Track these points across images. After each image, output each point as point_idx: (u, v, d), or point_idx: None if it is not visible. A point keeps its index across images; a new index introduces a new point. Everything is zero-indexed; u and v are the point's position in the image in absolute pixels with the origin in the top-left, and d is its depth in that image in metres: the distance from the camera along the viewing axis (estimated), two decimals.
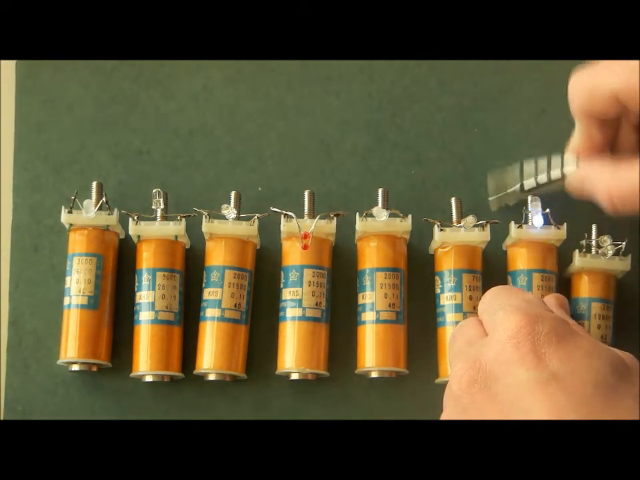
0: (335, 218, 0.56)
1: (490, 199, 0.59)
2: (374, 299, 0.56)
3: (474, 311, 0.56)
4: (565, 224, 0.57)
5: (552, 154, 0.56)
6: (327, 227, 0.56)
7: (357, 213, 0.57)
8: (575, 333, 0.44)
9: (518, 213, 0.57)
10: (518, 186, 0.58)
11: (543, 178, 0.56)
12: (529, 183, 0.57)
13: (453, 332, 0.49)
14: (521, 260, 0.57)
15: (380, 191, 0.57)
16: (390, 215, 0.56)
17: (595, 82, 0.50)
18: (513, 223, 0.57)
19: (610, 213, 0.52)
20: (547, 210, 0.57)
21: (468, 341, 0.46)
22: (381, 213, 0.56)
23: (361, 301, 0.57)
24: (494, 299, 0.48)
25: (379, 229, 0.57)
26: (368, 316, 0.56)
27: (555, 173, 0.56)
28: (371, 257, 0.57)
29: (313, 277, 0.56)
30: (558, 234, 0.57)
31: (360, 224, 0.56)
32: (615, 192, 0.51)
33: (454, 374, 0.44)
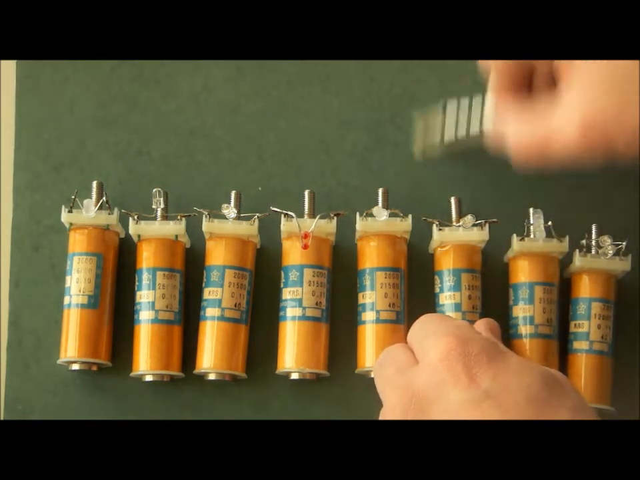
0: (335, 218, 0.56)
1: (414, 144, 0.60)
2: (374, 299, 0.56)
3: (473, 310, 0.56)
4: (567, 237, 0.57)
5: (473, 96, 0.57)
6: (327, 226, 0.56)
7: (357, 213, 0.57)
8: (504, 352, 0.44)
9: (519, 225, 0.57)
10: (438, 136, 0.59)
11: (462, 132, 0.57)
12: (449, 137, 0.58)
13: (380, 358, 0.49)
14: (522, 272, 0.57)
15: (380, 190, 0.57)
16: (390, 215, 0.56)
17: None
18: (515, 235, 0.57)
19: (516, 166, 0.53)
20: (549, 223, 0.57)
21: (398, 368, 0.46)
22: (381, 213, 0.56)
23: (361, 301, 0.57)
24: (423, 326, 0.48)
25: (379, 228, 0.57)
26: (368, 316, 0.56)
27: (474, 130, 0.57)
28: (371, 256, 0.57)
29: (313, 276, 0.56)
30: (560, 246, 0.57)
31: (360, 224, 0.56)
32: (519, 145, 0.52)
33: (387, 404, 0.45)
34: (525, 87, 0.54)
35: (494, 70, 0.54)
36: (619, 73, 0.49)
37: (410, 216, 0.56)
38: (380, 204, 0.57)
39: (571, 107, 0.49)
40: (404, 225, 0.56)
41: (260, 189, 0.60)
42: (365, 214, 0.56)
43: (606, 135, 0.49)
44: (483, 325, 0.52)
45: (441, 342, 0.44)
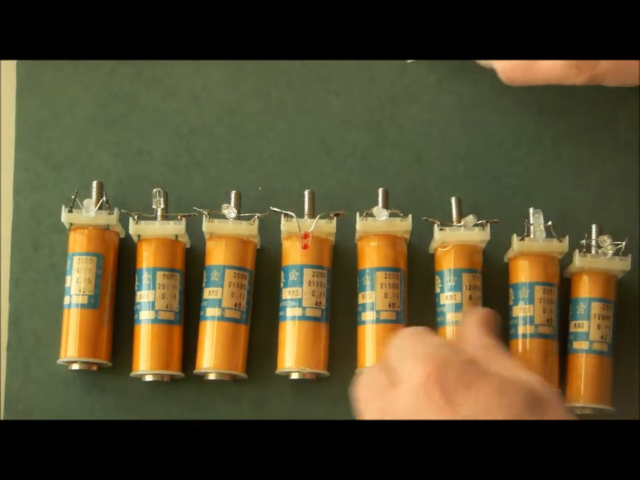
0: (335, 218, 0.56)
1: None
2: (374, 299, 0.56)
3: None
4: (567, 237, 0.57)
5: None
6: (327, 226, 0.56)
7: (357, 213, 0.57)
8: (484, 373, 0.43)
9: (519, 225, 0.57)
10: None
11: None
12: None
13: (358, 381, 0.49)
14: (522, 272, 0.57)
15: (380, 190, 0.57)
16: (390, 215, 0.56)
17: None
18: (515, 235, 0.57)
19: (506, 82, 0.54)
20: (549, 223, 0.57)
21: (376, 392, 0.46)
22: (381, 213, 0.56)
23: (361, 301, 0.57)
24: (401, 347, 0.47)
25: (379, 228, 0.57)
26: (368, 316, 0.56)
27: None
28: (371, 256, 0.57)
29: (313, 276, 0.56)
30: (560, 246, 0.57)
31: (360, 224, 0.56)
32: (507, 63, 0.52)
33: None
34: None
35: None
36: None
37: (410, 216, 0.56)
38: (380, 204, 0.57)
39: None
40: (404, 225, 0.56)
41: (260, 188, 0.60)
42: (365, 214, 0.56)
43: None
44: (475, 319, 0.51)
45: (418, 366, 0.43)
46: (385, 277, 0.56)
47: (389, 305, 0.56)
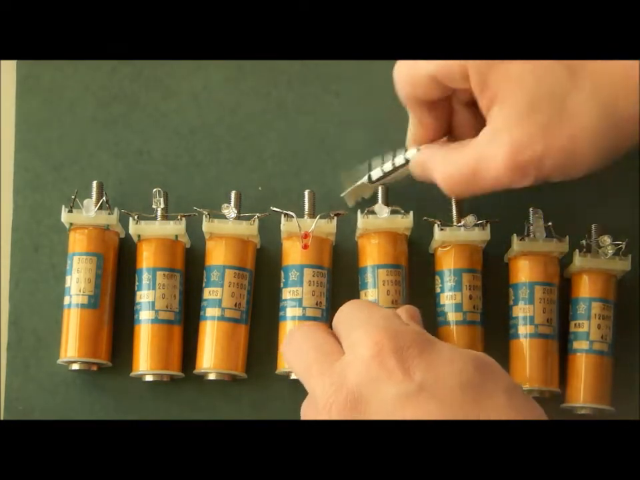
0: (335, 217, 0.56)
1: (343, 194, 0.59)
2: (377, 296, 0.56)
3: (474, 310, 0.56)
4: (567, 237, 0.57)
5: (397, 150, 0.57)
6: (327, 226, 0.56)
7: (359, 211, 0.57)
8: (434, 342, 0.44)
9: (520, 225, 0.57)
10: (366, 177, 0.58)
11: (388, 166, 0.57)
12: (376, 173, 0.58)
13: (294, 337, 0.48)
14: (522, 272, 0.57)
15: (380, 188, 0.57)
16: (391, 212, 0.56)
17: (413, 68, 0.52)
18: (515, 235, 0.57)
19: (448, 195, 0.53)
20: (549, 223, 0.57)
21: (324, 354, 0.45)
22: (382, 210, 0.56)
23: (363, 298, 0.57)
24: (350, 315, 0.47)
25: (380, 225, 0.57)
26: None
27: (399, 160, 0.56)
28: (372, 254, 0.57)
29: (313, 276, 0.56)
30: (560, 246, 0.57)
31: (361, 221, 0.56)
32: (448, 176, 0.52)
33: (319, 402, 0.43)
34: (446, 124, 0.55)
35: (411, 107, 0.54)
36: (540, 91, 0.49)
37: (411, 213, 0.56)
38: (380, 201, 0.57)
39: (495, 134, 0.50)
40: (405, 222, 0.56)
41: (260, 188, 0.60)
42: (365, 211, 0.57)
43: (534, 159, 0.49)
44: (404, 313, 0.51)
45: (370, 337, 0.43)
46: (387, 274, 0.56)
47: (392, 302, 0.56)
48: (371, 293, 0.56)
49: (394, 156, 0.57)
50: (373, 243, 0.57)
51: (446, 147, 0.53)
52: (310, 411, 0.45)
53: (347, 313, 0.48)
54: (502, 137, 0.49)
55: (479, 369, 0.43)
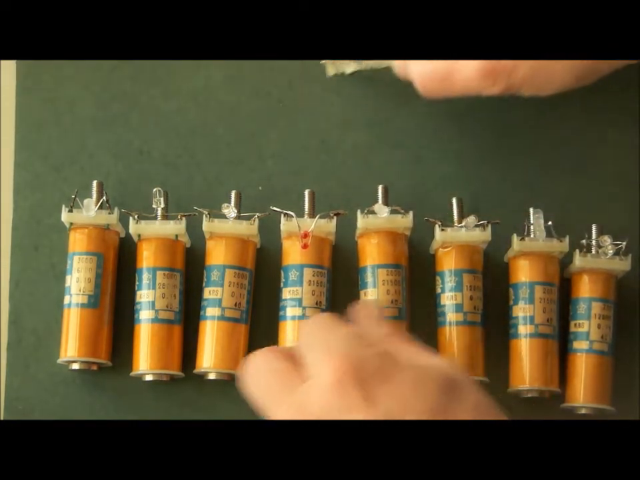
0: (335, 217, 0.56)
1: (324, 62, 0.60)
2: (376, 296, 0.56)
3: (475, 310, 0.56)
4: (568, 236, 0.57)
5: None
6: (327, 226, 0.56)
7: (358, 210, 0.57)
8: (397, 365, 0.43)
9: (520, 225, 0.57)
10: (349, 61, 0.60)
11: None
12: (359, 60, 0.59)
13: (252, 366, 0.47)
14: (522, 272, 0.57)
15: (380, 187, 0.57)
16: (391, 212, 0.56)
17: None
18: (515, 235, 0.57)
19: (423, 95, 0.54)
20: (550, 222, 0.57)
21: (283, 382, 0.44)
22: (382, 210, 0.56)
23: (363, 298, 0.57)
24: (310, 336, 0.46)
25: (380, 225, 0.57)
26: None
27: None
28: (372, 253, 0.57)
29: (313, 276, 0.56)
30: (560, 246, 0.57)
31: (361, 221, 0.56)
32: (424, 73, 0.53)
33: None
34: None
35: None
36: None
37: (411, 212, 0.56)
38: (380, 201, 0.57)
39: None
40: (405, 222, 0.56)
41: (260, 188, 0.60)
42: (365, 211, 0.57)
43: (506, 64, 0.50)
44: (362, 311, 0.50)
45: (331, 363, 0.42)
46: (387, 274, 0.56)
47: (391, 302, 0.56)
48: (370, 293, 0.56)
49: None
50: (373, 242, 0.57)
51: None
52: None
53: (307, 334, 0.47)
54: None
55: (446, 390, 0.42)
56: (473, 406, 0.42)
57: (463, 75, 0.51)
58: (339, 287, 0.58)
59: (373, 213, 0.56)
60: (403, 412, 0.41)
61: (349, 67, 0.60)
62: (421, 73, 0.53)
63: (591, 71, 0.51)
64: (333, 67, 0.60)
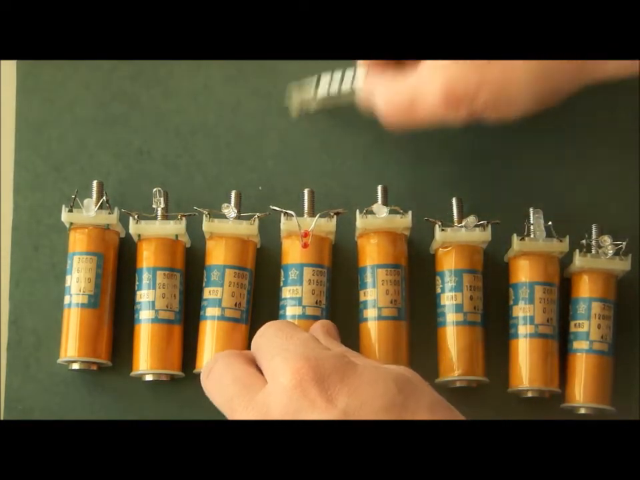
0: (335, 216, 0.56)
1: (290, 103, 0.61)
2: (376, 296, 0.56)
3: (474, 310, 0.56)
4: (568, 236, 0.57)
5: (346, 68, 0.58)
6: (327, 225, 0.56)
7: (357, 210, 0.57)
8: (355, 366, 0.44)
9: (520, 225, 0.57)
10: (313, 92, 0.60)
11: (335, 88, 0.58)
12: (323, 91, 0.59)
13: (213, 370, 0.47)
14: (522, 272, 0.57)
15: (379, 187, 0.57)
16: (390, 212, 0.56)
17: None
18: (515, 235, 0.57)
19: (387, 126, 0.55)
20: (550, 222, 0.57)
21: (245, 387, 0.45)
22: (381, 210, 0.56)
23: (362, 298, 0.57)
24: (269, 341, 0.47)
25: (379, 225, 0.57)
26: (370, 313, 0.56)
27: (346, 86, 0.58)
28: (371, 253, 0.57)
29: (313, 275, 0.56)
30: (560, 246, 0.57)
31: (360, 221, 0.56)
32: (387, 103, 0.53)
33: None
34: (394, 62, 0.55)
35: None
36: None
37: (410, 212, 0.56)
38: (380, 201, 0.57)
39: (434, 65, 0.51)
40: (404, 222, 0.56)
41: (260, 188, 0.60)
42: (364, 211, 0.57)
43: (468, 92, 0.50)
44: (319, 329, 0.51)
45: (290, 366, 0.43)
46: (386, 274, 0.56)
47: (391, 302, 0.56)
48: (370, 293, 0.56)
49: (343, 75, 0.58)
50: (372, 242, 0.57)
51: (390, 75, 0.54)
52: None
53: (265, 338, 0.47)
54: (440, 68, 0.51)
55: (402, 388, 0.43)
56: (428, 404, 0.43)
57: (426, 103, 0.51)
58: (339, 287, 0.58)
59: (372, 213, 0.56)
60: (360, 410, 0.42)
61: (313, 105, 0.60)
62: (384, 102, 0.54)
63: (552, 92, 0.51)
64: (296, 108, 0.60)
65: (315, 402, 0.42)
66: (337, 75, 0.58)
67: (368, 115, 0.55)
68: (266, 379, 0.45)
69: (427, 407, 0.42)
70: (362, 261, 0.57)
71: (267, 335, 0.47)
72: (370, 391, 0.42)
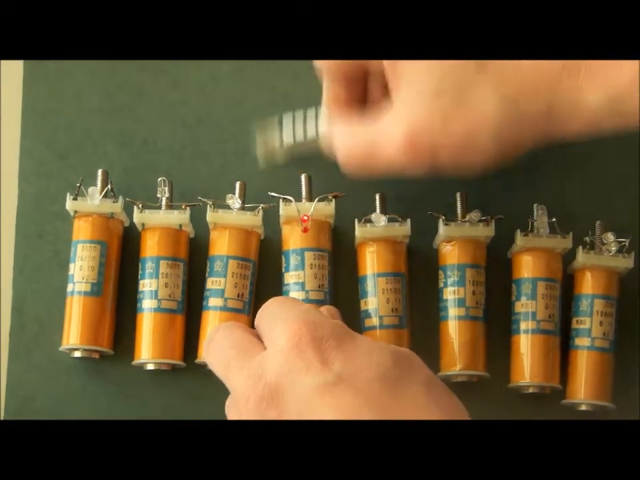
0: (334, 199, 0.56)
1: (258, 155, 0.60)
2: (376, 305, 0.56)
3: (477, 305, 0.56)
4: (571, 233, 0.57)
5: (308, 108, 0.58)
6: (326, 208, 0.56)
7: (356, 220, 0.56)
8: (353, 334, 0.44)
9: (523, 220, 0.57)
10: (277, 142, 0.59)
11: (300, 135, 0.58)
12: (288, 139, 0.58)
13: (214, 338, 0.48)
14: (525, 268, 0.57)
15: (377, 196, 0.57)
16: (389, 220, 0.56)
17: None
18: (518, 231, 0.57)
19: (347, 173, 0.53)
20: (553, 219, 0.57)
21: (243, 351, 0.45)
22: (379, 219, 0.56)
23: (363, 307, 0.57)
24: (270, 312, 0.47)
25: (378, 234, 0.56)
26: (371, 322, 0.56)
27: (311, 133, 0.57)
28: (371, 262, 0.57)
29: (315, 259, 0.56)
30: (563, 242, 0.57)
31: (359, 230, 0.56)
32: (347, 150, 0.52)
33: (238, 394, 0.43)
34: (359, 100, 0.55)
35: (326, 78, 0.54)
36: (446, 80, 0.49)
37: (409, 220, 0.56)
38: (378, 209, 0.57)
39: (397, 115, 0.50)
40: (403, 230, 0.56)
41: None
42: (362, 220, 0.56)
43: (431, 144, 0.49)
44: (325, 312, 0.51)
45: (289, 328, 0.43)
46: (387, 283, 0.56)
47: (392, 310, 0.56)
48: (371, 302, 0.56)
49: (304, 120, 0.57)
50: (372, 251, 0.57)
51: (351, 122, 0.53)
52: (232, 408, 0.45)
53: (268, 311, 0.47)
54: (402, 118, 0.49)
55: (398, 362, 0.43)
56: (423, 380, 0.43)
57: (386, 153, 0.50)
58: (340, 270, 0.58)
59: (370, 222, 0.56)
60: (355, 376, 0.42)
61: (279, 157, 0.59)
62: (344, 151, 0.52)
63: (514, 147, 0.50)
64: (264, 160, 0.60)
65: (311, 363, 0.42)
66: (299, 115, 0.58)
67: (332, 160, 0.54)
68: (265, 347, 0.45)
69: (422, 382, 0.43)
70: (362, 270, 0.57)
71: (269, 308, 0.48)
72: (366, 359, 0.43)
